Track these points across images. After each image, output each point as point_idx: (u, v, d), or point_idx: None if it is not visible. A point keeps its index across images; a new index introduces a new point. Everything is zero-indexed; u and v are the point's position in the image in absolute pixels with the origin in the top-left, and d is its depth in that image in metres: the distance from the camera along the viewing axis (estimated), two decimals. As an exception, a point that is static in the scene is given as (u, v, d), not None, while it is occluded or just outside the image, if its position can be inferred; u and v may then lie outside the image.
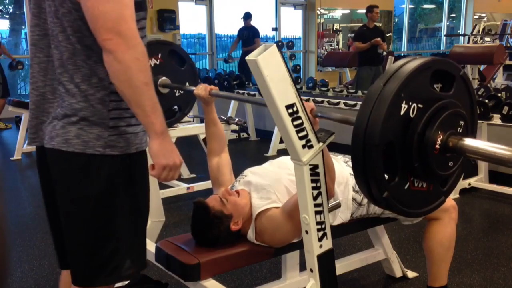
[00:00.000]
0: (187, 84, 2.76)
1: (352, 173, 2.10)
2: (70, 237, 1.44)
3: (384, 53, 7.06)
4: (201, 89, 2.12)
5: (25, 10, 7.86)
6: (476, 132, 1.56)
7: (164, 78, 2.53)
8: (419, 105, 1.35)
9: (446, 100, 1.38)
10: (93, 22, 1.24)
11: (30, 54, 1.43)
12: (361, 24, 11.54)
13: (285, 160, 2.07)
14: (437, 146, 1.34)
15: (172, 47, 2.85)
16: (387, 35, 12.13)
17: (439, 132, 1.34)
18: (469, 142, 1.35)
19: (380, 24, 12.24)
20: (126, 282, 2.20)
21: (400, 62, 1.36)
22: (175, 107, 2.83)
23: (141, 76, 1.26)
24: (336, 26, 11.65)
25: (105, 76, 1.33)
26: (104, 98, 1.34)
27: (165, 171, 1.36)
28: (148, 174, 1.47)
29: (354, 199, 2.06)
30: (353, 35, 11.88)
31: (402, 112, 1.32)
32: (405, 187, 1.41)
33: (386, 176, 1.36)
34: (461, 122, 1.40)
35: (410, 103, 1.33)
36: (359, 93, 6.39)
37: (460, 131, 1.40)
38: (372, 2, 7.18)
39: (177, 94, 2.75)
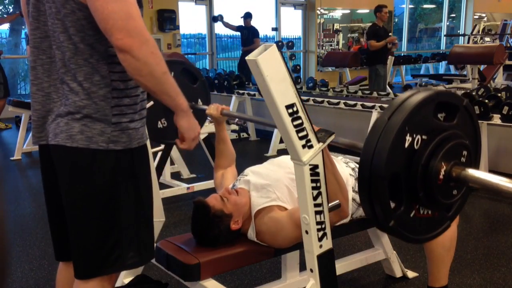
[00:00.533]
0: (200, 100, 2.82)
1: (352, 174, 2.11)
2: (75, 230, 1.47)
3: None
4: (213, 109, 2.19)
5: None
6: (480, 161, 1.58)
7: None
8: (423, 137, 1.38)
9: (450, 132, 1.41)
10: (103, 23, 1.28)
11: (32, 57, 1.46)
12: (360, 24, 11.54)
13: (285, 159, 2.07)
14: (441, 176, 1.37)
15: (184, 66, 2.94)
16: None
17: (443, 163, 1.37)
18: (471, 172, 1.38)
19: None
20: (127, 282, 2.21)
21: (405, 95, 1.40)
22: None
23: (159, 67, 1.34)
24: (336, 26, 11.65)
25: (107, 74, 1.39)
26: (107, 95, 1.39)
27: (193, 142, 1.57)
28: (150, 167, 1.55)
29: (353, 200, 2.06)
30: (354, 35, 11.94)
31: (406, 145, 1.36)
32: (411, 215, 1.43)
33: (392, 204, 1.40)
34: (465, 152, 1.43)
35: (414, 135, 1.36)
36: (359, 93, 6.39)
37: (464, 161, 1.43)
38: (372, 2, 7.21)
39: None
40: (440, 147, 1.37)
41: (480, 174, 1.38)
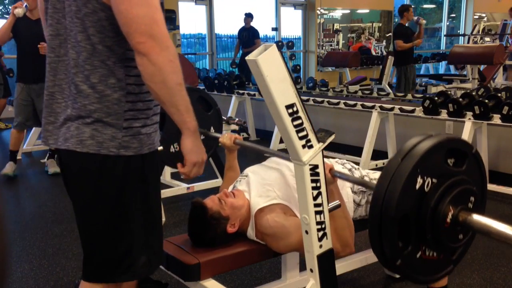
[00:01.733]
0: (212, 127, 2.96)
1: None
2: (85, 234, 1.47)
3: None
4: (226, 138, 2.23)
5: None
6: (485, 205, 1.61)
7: None
8: (433, 180, 1.41)
9: (458, 177, 1.44)
10: (126, 26, 1.26)
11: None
12: (360, 24, 11.52)
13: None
14: (448, 220, 1.40)
15: (200, 94, 3.12)
16: (387, 35, 12.14)
17: (451, 207, 1.41)
18: (477, 218, 1.41)
19: (380, 24, 12.26)
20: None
21: (417, 139, 1.44)
22: None
23: (175, 77, 1.30)
24: (336, 26, 11.65)
25: (123, 77, 1.35)
26: (121, 99, 1.36)
27: (195, 167, 1.44)
28: (159, 172, 1.51)
29: (353, 200, 2.07)
30: (353, 35, 11.93)
31: (417, 187, 1.39)
32: (417, 256, 1.46)
33: (400, 243, 1.43)
34: (472, 198, 1.46)
35: (425, 178, 1.40)
36: (359, 93, 6.39)
37: (471, 206, 1.46)
38: (372, 2, 7.21)
39: (202, 137, 2.91)
40: (449, 191, 1.41)
41: (486, 220, 1.41)
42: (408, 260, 1.44)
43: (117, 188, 1.39)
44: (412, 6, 7.34)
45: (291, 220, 1.87)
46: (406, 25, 7.24)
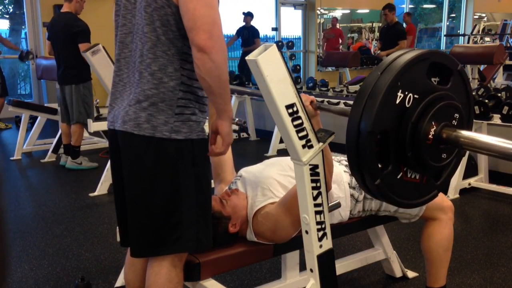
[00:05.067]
0: None
1: (346, 170, 2.10)
2: (136, 211, 1.60)
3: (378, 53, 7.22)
4: None
5: (25, 10, 7.88)
6: (472, 127, 1.57)
7: None
8: (415, 96, 1.36)
9: (441, 92, 1.39)
10: (192, 22, 1.41)
11: (117, 50, 1.63)
12: (360, 24, 11.53)
13: (278, 158, 2.12)
14: (430, 136, 1.35)
15: None
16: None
17: (433, 123, 1.35)
18: (462, 133, 1.35)
19: (380, 24, 12.25)
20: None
21: (398, 52, 1.40)
22: None
23: (226, 74, 1.49)
24: (336, 26, 11.64)
25: (179, 68, 1.52)
26: (176, 87, 1.52)
27: (227, 147, 1.63)
28: (209, 161, 1.66)
29: (351, 195, 2.06)
30: (353, 35, 11.94)
31: (397, 101, 1.34)
32: (398, 177, 1.41)
33: (380, 165, 1.37)
34: (456, 115, 1.41)
35: (406, 93, 1.35)
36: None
37: (455, 123, 1.41)
38: (372, 2, 7.23)
39: None
40: (431, 106, 1.35)
41: (471, 134, 1.35)
42: (388, 181, 1.38)
43: (170, 168, 1.54)
44: (388, 7, 7.53)
45: (273, 205, 1.88)
46: (390, 25, 7.44)
